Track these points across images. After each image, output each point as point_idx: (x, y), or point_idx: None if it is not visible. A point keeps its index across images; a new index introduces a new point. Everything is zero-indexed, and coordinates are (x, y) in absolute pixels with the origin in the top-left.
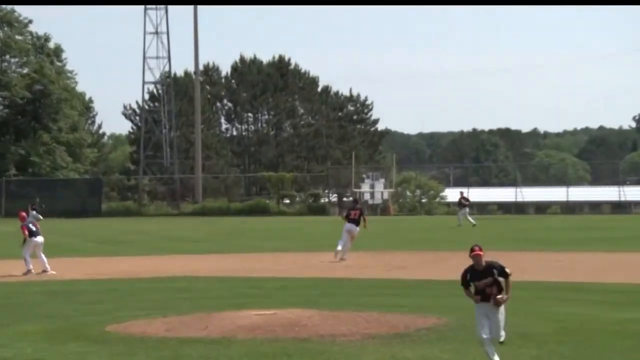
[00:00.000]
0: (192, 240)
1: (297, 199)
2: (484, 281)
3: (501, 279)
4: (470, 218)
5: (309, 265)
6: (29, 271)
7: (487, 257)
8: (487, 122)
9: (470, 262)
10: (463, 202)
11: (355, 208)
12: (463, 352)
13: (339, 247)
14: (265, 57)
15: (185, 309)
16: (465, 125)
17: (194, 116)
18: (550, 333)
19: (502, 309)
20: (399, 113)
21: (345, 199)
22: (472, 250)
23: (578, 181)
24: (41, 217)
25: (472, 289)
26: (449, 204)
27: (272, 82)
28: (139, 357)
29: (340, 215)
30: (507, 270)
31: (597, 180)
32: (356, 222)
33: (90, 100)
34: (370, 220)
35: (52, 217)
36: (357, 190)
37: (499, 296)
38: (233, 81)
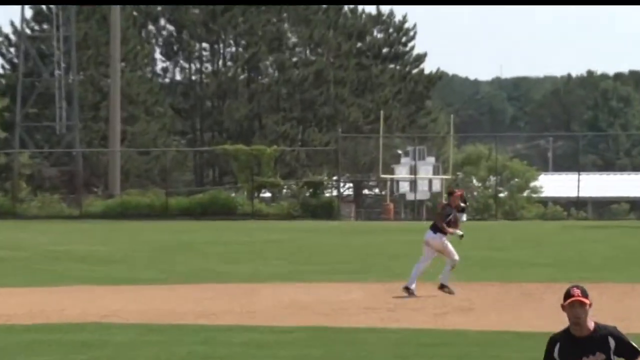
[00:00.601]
0: (104, 260)
1: (285, 190)
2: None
3: None
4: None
5: (303, 304)
6: None
7: (598, 314)
8: (610, 62)
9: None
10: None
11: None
12: None
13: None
14: None
15: None
16: (574, 66)
17: (110, 48)
18: None
19: None
20: (460, 45)
21: (367, 190)
22: (568, 294)
23: None
24: None
25: None
26: (546, 202)
27: None
28: None
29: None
30: (636, 346)
31: None
32: (436, 229)
33: None
34: (410, 228)
35: None
36: (387, 176)
37: None
38: None
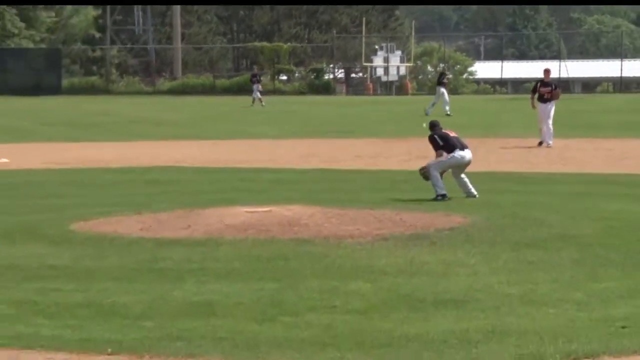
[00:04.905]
0: (170, 123)
1: (297, 74)
2: None
3: None
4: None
5: (311, 154)
6: None
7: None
8: None
9: None
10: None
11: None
12: (492, 256)
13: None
14: None
15: (163, 205)
16: None
17: None
18: (595, 234)
19: None
20: None
21: (353, 74)
22: None
23: (635, 53)
24: None
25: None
26: (478, 82)
27: None
28: (110, 261)
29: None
30: None
31: None
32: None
33: None
34: (384, 101)
35: (1, 95)
36: (367, 64)
37: None
38: None
